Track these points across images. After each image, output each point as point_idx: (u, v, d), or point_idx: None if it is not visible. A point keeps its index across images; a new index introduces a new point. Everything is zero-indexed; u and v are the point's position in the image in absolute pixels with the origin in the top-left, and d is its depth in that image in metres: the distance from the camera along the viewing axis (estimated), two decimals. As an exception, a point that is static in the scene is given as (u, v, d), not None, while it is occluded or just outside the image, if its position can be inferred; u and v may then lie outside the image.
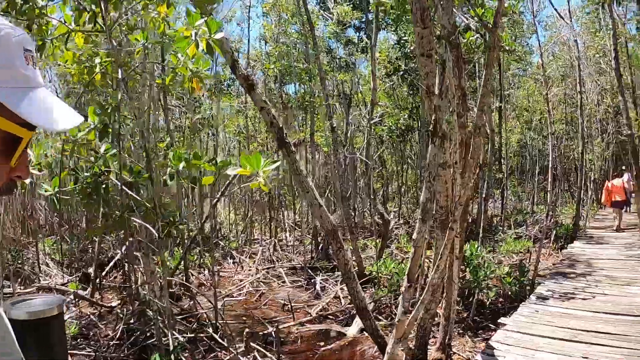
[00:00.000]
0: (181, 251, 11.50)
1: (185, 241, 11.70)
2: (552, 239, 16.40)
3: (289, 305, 11.01)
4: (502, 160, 22.31)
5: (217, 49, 5.53)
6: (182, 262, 11.21)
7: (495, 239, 16.86)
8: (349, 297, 11.38)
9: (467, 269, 9.95)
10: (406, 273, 4.86)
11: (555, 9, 28.19)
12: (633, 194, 20.59)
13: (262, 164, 4.96)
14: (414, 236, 4.82)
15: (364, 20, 20.56)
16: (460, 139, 6.08)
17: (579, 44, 20.73)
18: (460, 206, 5.40)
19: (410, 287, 4.77)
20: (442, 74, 5.04)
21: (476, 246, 12.52)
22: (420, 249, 4.78)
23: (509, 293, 10.00)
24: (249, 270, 15.12)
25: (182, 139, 18.33)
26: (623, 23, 23.12)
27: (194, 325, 9.22)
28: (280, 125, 6.20)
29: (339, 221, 14.01)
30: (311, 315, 10.80)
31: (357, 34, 22.90)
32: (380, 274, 11.36)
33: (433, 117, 4.76)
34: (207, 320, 9.37)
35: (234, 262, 15.99)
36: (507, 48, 10.22)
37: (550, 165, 10.28)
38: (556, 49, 32.01)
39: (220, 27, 5.41)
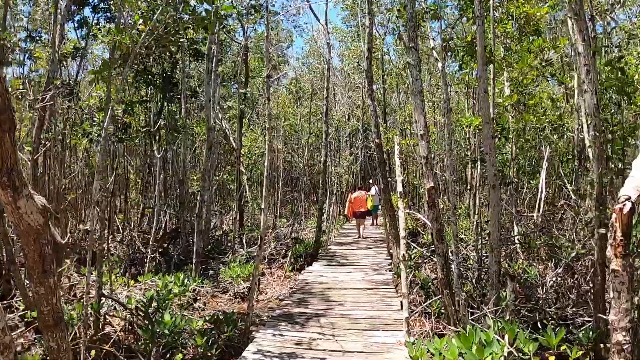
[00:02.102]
0: None
1: None
2: (289, 258, 13.50)
3: None
4: (240, 170, 19.18)
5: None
6: None
7: (225, 260, 13.48)
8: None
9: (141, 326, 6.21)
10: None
11: (314, 12, 26.57)
12: (380, 207, 19.85)
13: None
14: None
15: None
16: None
17: (332, 50, 18.53)
18: None
19: None
20: None
21: (182, 278, 8.93)
22: None
23: (208, 354, 6.37)
24: None
25: None
26: (383, 38, 21.84)
27: None
28: None
29: None
30: None
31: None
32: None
33: None
34: None
35: None
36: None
37: (265, 173, 6.88)
38: (311, 60, 30.48)
39: None
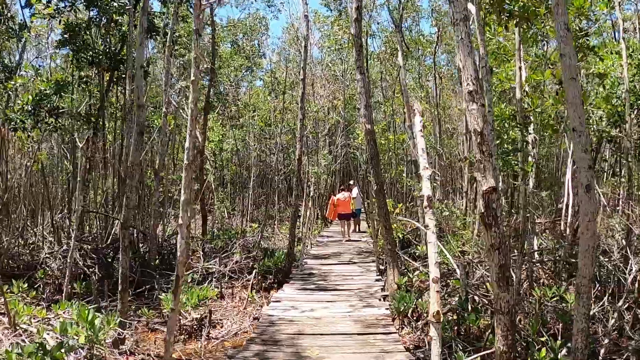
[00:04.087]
0: None
1: None
2: (253, 276, 10.55)
3: None
4: (205, 169, 16.22)
5: None
6: None
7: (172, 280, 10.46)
8: None
9: None
10: None
11: None
12: (363, 211, 18.28)
13: None
14: None
15: None
16: None
17: (310, 25, 15.54)
18: None
19: None
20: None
21: (91, 318, 5.95)
22: None
23: None
24: None
25: None
26: (368, 22, 18.91)
27: None
28: None
29: None
30: None
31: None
32: None
33: None
34: None
35: None
36: None
37: (186, 160, 3.75)
38: (291, 51, 27.42)
39: None
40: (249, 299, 9.75)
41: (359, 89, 8.26)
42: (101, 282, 10.32)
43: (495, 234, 3.23)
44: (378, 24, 20.12)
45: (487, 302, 7.38)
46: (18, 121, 11.54)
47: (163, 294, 9.28)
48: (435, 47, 18.50)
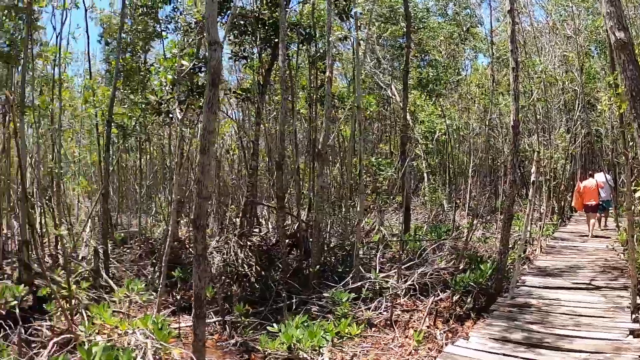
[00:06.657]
0: None
1: None
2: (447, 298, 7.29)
3: None
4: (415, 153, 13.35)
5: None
6: None
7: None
8: None
9: None
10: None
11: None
12: (612, 203, 14.79)
13: None
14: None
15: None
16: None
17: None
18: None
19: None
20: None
21: None
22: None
23: None
24: None
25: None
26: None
27: None
28: None
29: None
30: None
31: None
32: None
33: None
34: None
35: None
36: None
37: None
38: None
39: None
40: (420, 335, 6.38)
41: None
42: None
43: None
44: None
45: None
46: None
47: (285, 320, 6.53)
48: None
